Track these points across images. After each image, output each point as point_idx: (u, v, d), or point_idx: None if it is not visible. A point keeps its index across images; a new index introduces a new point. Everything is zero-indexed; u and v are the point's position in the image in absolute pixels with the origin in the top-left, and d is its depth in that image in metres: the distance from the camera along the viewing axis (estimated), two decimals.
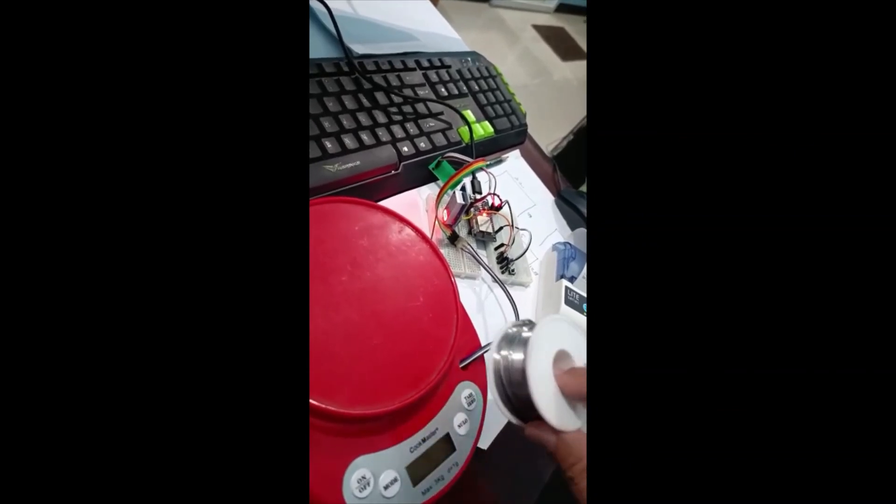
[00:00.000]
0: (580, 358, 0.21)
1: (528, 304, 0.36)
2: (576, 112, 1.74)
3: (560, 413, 0.19)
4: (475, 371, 0.26)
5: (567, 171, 0.49)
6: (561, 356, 0.21)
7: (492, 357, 0.21)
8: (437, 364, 0.23)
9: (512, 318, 0.32)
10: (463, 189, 0.35)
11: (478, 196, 0.36)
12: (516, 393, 0.20)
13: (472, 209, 0.34)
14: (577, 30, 2.69)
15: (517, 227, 0.34)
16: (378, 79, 0.36)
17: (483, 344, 0.28)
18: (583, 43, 2.62)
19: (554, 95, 2.04)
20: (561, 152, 1.73)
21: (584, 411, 0.20)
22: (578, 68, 2.37)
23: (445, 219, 0.33)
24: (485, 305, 0.33)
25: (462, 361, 0.26)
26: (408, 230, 0.27)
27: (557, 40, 2.45)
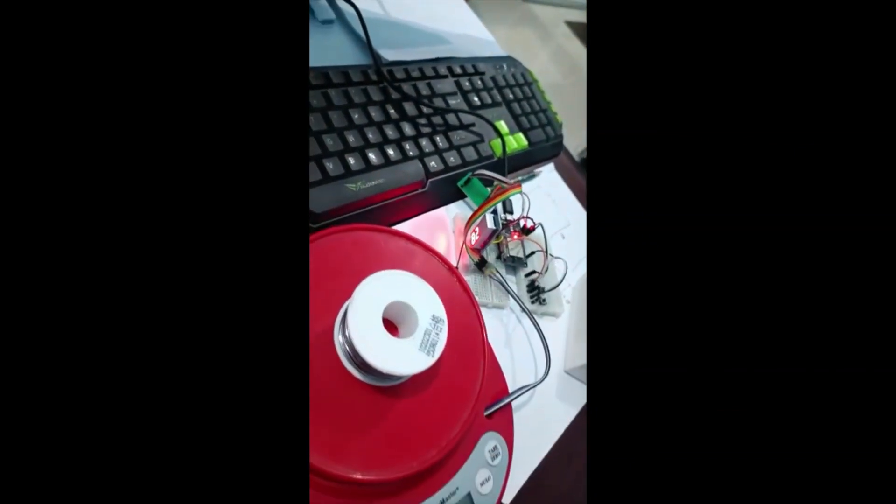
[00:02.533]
0: (421, 304, 0.20)
1: (559, 336, 0.33)
2: None
3: (392, 361, 0.18)
4: (501, 419, 0.24)
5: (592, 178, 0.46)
6: (396, 308, 0.19)
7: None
8: (461, 416, 0.21)
9: (541, 352, 0.30)
10: (494, 212, 0.32)
11: (509, 218, 0.33)
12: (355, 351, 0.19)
13: (502, 233, 0.32)
14: None
15: (551, 255, 0.32)
16: (407, 87, 0.34)
17: (511, 390, 0.26)
18: None
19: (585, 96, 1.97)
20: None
21: (412, 357, 0.18)
22: None
23: (473, 243, 0.30)
24: (512, 339, 0.30)
25: (487, 409, 0.24)
26: (433, 259, 0.25)
27: None
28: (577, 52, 2.21)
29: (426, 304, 0.20)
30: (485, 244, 0.31)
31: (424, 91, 0.35)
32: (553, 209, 0.41)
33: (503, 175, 0.36)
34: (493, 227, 0.29)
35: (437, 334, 0.19)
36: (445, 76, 0.37)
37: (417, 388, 0.21)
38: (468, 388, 0.22)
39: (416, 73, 0.35)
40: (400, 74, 0.34)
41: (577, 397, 0.31)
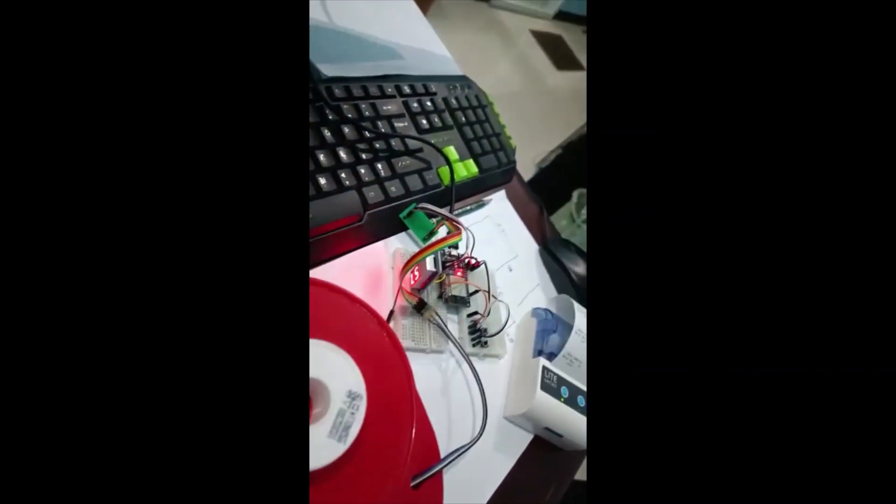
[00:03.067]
0: (335, 378, 0.17)
1: (502, 378, 0.31)
2: (566, 123, 1.71)
3: None
4: (430, 489, 0.22)
5: (550, 189, 0.45)
6: None
7: None
8: (383, 496, 0.19)
9: (478, 400, 0.28)
10: (440, 257, 0.30)
11: (453, 254, 0.31)
12: None
13: (444, 272, 0.30)
14: (574, 39, 2.67)
15: (495, 297, 0.30)
16: (348, 108, 0.31)
17: (445, 446, 0.24)
18: (578, 52, 2.59)
19: (545, 105, 2.01)
20: (548, 166, 1.70)
21: None
22: (572, 78, 2.34)
23: (411, 285, 0.28)
24: (450, 386, 0.29)
25: (415, 478, 0.22)
26: (359, 311, 0.22)
27: (553, 48, 2.42)
28: (540, 61, 2.25)
29: (341, 377, 0.17)
30: (424, 285, 0.29)
31: (367, 112, 0.32)
32: (501, 240, 0.39)
33: (450, 205, 0.34)
34: (434, 269, 0.27)
35: (353, 414, 0.17)
36: (393, 96, 0.35)
37: (330, 471, 0.18)
38: (393, 460, 0.20)
39: (358, 92, 0.32)
40: (340, 93, 0.31)
41: (516, 446, 0.30)
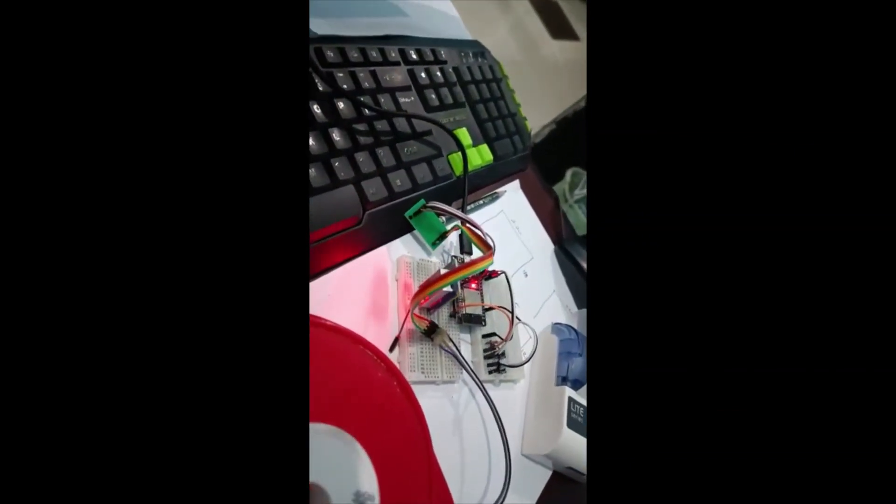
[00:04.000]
0: (337, 479, 0.14)
1: (517, 407, 0.27)
2: (560, 96, 1.63)
3: None
4: None
5: (543, 167, 0.39)
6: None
7: None
8: None
9: (495, 438, 0.24)
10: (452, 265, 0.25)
11: (466, 261, 0.26)
12: None
13: (460, 290, 0.25)
14: (571, 8, 2.55)
15: (518, 319, 0.25)
16: (343, 77, 0.25)
17: (457, 501, 0.20)
18: (574, 22, 2.48)
19: (541, 75, 1.92)
20: (541, 141, 1.64)
21: None
22: (567, 48, 2.24)
23: (423, 302, 0.23)
24: (464, 422, 0.24)
25: None
26: (362, 355, 0.17)
27: (550, 15, 2.30)
28: (536, 28, 2.14)
29: (347, 476, 0.12)
30: (436, 304, 0.24)
31: (367, 83, 0.26)
32: (516, 241, 0.34)
33: (463, 201, 0.29)
34: (450, 290, 0.22)
35: None
36: (397, 63, 0.29)
37: None
38: None
39: (356, 57, 0.26)
40: (333, 57, 0.25)
41: (533, 486, 0.26)
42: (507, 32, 1.88)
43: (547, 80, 1.92)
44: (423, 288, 0.21)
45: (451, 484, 0.21)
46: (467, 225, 0.25)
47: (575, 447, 0.25)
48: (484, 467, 0.24)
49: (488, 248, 0.22)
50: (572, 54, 2.24)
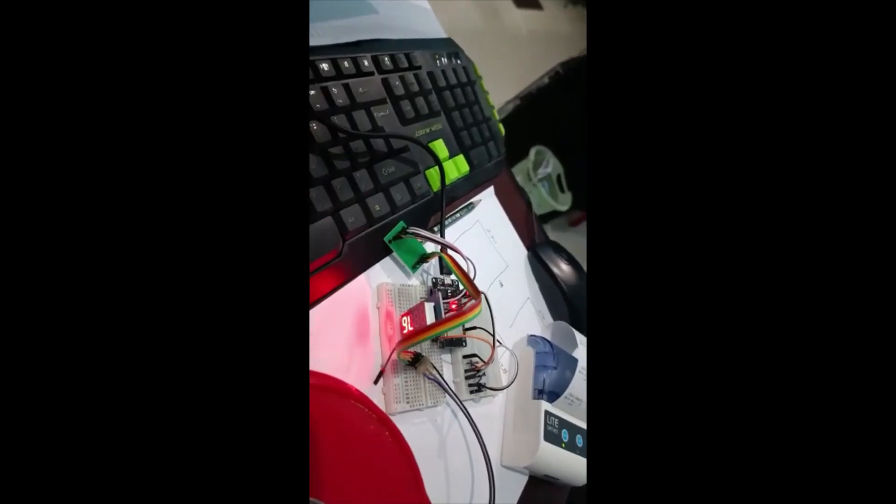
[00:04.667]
0: None
1: (496, 421, 0.28)
2: (523, 70, 1.61)
3: None
4: None
5: (509, 146, 0.39)
6: None
7: None
8: None
9: (477, 453, 0.25)
10: (433, 289, 0.25)
11: (446, 281, 0.26)
12: None
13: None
14: None
15: (499, 342, 0.26)
16: (315, 95, 0.23)
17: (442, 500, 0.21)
18: None
19: (502, 46, 1.88)
20: (505, 118, 1.62)
21: None
22: (530, 18, 2.20)
23: (406, 332, 0.23)
24: (447, 443, 0.25)
25: None
26: (354, 406, 0.17)
27: None
28: None
29: None
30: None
31: (341, 100, 0.24)
32: (491, 250, 0.34)
33: (441, 218, 0.28)
34: (435, 321, 0.22)
35: None
36: (370, 73, 0.27)
37: None
38: None
39: (328, 71, 0.24)
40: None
41: (512, 492, 0.28)
42: (469, 1, 1.81)
43: (510, 53, 1.88)
44: (410, 337, 0.21)
45: (434, 500, 0.22)
46: (447, 252, 0.25)
47: (552, 459, 0.26)
48: (467, 484, 0.25)
49: (477, 294, 0.22)
50: (535, 24, 2.20)
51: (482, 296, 0.21)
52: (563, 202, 1.41)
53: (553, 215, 1.47)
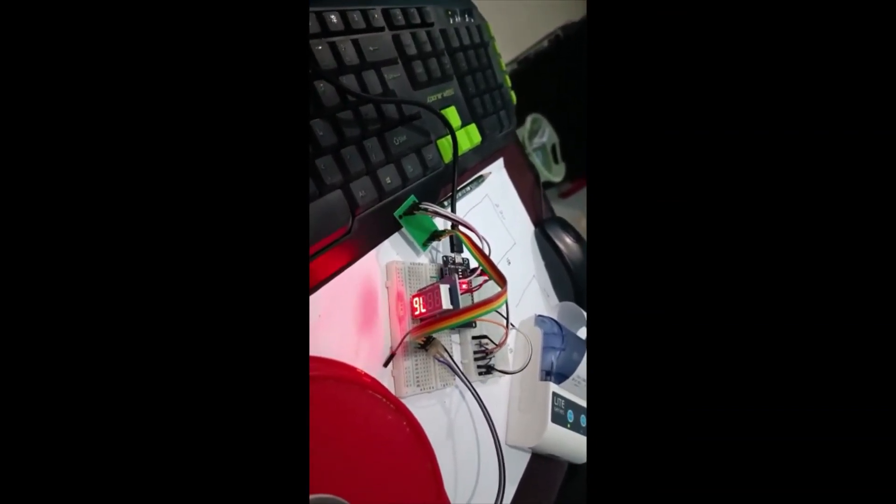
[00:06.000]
0: None
1: (503, 399, 0.28)
2: (521, 30, 1.54)
3: None
4: None
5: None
6: None
7: None
8: None
9: (487, 435, 0.25)
10: (444, 268, 0.24)
11: (457, 260, 0.25)
12: None
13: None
14: None
15: (513, 325, 0.25)
16: (322, 50, 0.21)
17: (451, 498, 0.21)
18: None
19: (502, 5, 1.79)
20: None
21: None
22: None
23: (418, 314, 0.22)
24: (455, 424, 0.25)
25: None
26: (371, 397, 0.16)
27: None
28: None
29: None
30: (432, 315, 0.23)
31: (349, 58, 0.22)
32: (500, 226, 0.33)
33: (453, 192, 0.27)
34: (451, 307, 0.21)
35: None
36: (381, 28, 0.24)
37: None
38: None
39: (336, 24, 0.22)
40: (312, 25, 0.21)
41: (517, 468, 0.28)
42: None
43: (506, 13, 1.79)
44: (431, 324, 0.20)
45: (447, 484, 0.22)
46: (462, 230, 0.23)
47: (558, 440, 0.26)
48: (474, 464, 0.25)
49: (503, 282, 0.20)
50: None
51: (505, 288, 0.20)
52: (557, 173, 1.39)
53: (545, 186, 1.46)
